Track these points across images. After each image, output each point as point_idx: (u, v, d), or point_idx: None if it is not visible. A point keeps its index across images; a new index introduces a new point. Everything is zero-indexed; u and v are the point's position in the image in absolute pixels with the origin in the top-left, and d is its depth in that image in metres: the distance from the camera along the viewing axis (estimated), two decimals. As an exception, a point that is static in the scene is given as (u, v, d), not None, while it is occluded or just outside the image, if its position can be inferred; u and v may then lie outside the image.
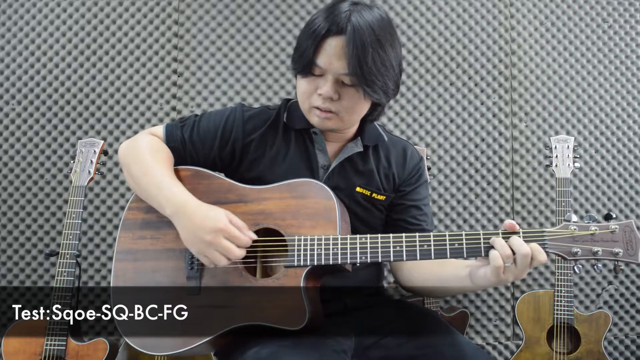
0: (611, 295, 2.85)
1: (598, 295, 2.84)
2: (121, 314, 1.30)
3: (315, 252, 1.22)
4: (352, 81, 1.26)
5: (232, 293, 1.26)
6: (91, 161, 2.16)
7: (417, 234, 1.20)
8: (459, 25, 2.88)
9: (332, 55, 1.25)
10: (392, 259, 1.20)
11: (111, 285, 1.34)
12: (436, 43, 2.87)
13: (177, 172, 1.37)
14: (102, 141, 2.21)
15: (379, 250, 1.21)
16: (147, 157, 1.34)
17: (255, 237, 1.25)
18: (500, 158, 2.86)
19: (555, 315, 2.26)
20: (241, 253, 1.22)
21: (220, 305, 1.25)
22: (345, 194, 1.40)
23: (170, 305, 1.28)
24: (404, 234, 1.21)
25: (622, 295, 2.86)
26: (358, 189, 1.41)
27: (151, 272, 1.32)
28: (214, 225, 1.21)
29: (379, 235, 1.22)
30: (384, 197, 1.44)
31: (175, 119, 2.71)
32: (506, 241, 1.13)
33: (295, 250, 1.24)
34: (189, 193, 1.29)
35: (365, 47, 1.22)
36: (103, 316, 2.69)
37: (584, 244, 1.13)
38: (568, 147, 2.31)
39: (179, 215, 1.26)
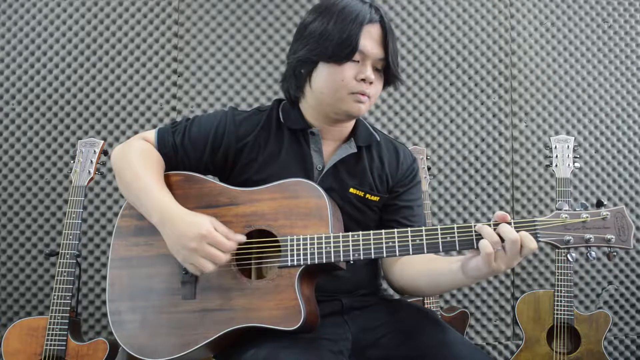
0: (611, 295, 2.85)
1: (598, 295, 2.84)
2: (117, 322, 1.30)
3: (309, 252, 1.22)
4: (383, 66, 1.35)
5: (228, 296, 1.25)
6: (91, 161, 2.16)
7: (409, 229, 1.20)
8: (459, 25, 2.88)
9: (372, 41, 1.31)
10: (385, 254, 1.20)
11: (107, 293, 1.34)
12: (436, 43, 2.87)
13: (168, 177, 1.37)
14: (102, 141, 2.21)
15: (372, 246, 1.21)
16: (137, 165, 1.34)
17: (244, 238, 1.25)
18: (500, 158, 2.86)
19: (555, 315, 2.26)
20: (226, 258, 1.22)
21: (216, 309, 1.25)
22: (339, 195, 1.39)
23: (166, 311, 1.28)
24: (395, 230, 1.21)
25: (622, 295, 2.86)
26: (351, 190, 1.41)
27: (146, 279, 1.32)
28: (197, 232, 1.20)
29: (371, 232, 1.22)
30: (378, 197, 1.44)
31: (175, 119, 2.71)
32: (495, 229, 1.13)
33: (289, 250, 1.23)
34: (175, 201, 1.29)
35: (393, 35, 1.35)
36: (103, 316, 2.71)
37: (575, 232, 1.12)
38: (568, 147, 2.31)
39: (164, 224, 1.26)
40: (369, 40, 1.31)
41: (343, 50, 1.29)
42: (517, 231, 1.11)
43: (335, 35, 1.30)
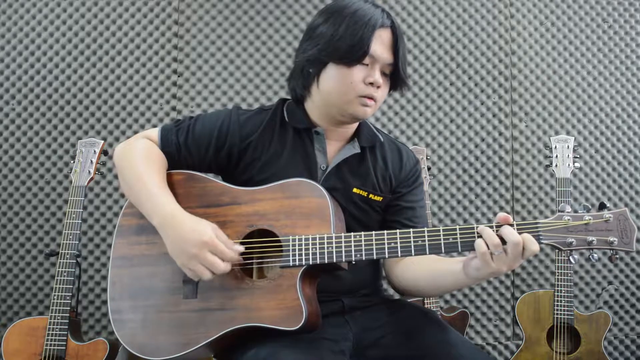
0: (611, 295, 2.85)
1: (598, 295, 2.84)
2: (118, 321, 1.30)
3: (310, 252, 1.22)
4: (391, 71, 1.36)
5: (229, 295, 1.25)
6: (91, 161, 2.16)
7: (411, 230, 1.20)
8: (459, 25, 2.88)
9: (383, 45, 1.32)
10: (387, 255, 1.20)
11: (108, 292, 1.33)
12: (436, 43, 2.87)
13: (170, 176, 1.37)
14: (102, 141, 2.21)
15: (374, 247, 1.21)
16: (140, 164, 1.34)
17: (242, 249, 1.24)
18: (500, 158, 2.86)
19: (555, 315, 2.26)
20: (226, 267, 1.21)
21: (218, 308, 1.25)
22: (342, 195, 1.39)
23: (167, 310, 1.28)
24: (397, 231, 1.21)
25: (622, 295, 2.86)
26: (355, 190, 1.41)
27: (148, 277, 1.31)
28: (199, 239, 1.20)
29: (373, 232, 1.22)
30: (381, 198, 1.44)
31: (175, 119, 2.71)
32: (497, 231, 1.13)
33: (290, 250, 1.23)
34: (177, 204, 1.29)
35: (403, 41, 1.36)
36: (103, 316, 2.71)
37: (578, 234, 1.12)
38: (568, 147, 2.31)
39: (165, 227, 1.26)
40: (380, 45, 1.32)
41: (354, 53, 1.30)
42: (520, 233, 1.11)
43: (347, 37, 1.30)
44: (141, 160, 1.35)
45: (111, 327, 1.32)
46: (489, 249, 1.12)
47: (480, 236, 1.14)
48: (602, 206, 1.13)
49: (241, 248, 1.24)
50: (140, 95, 2.73)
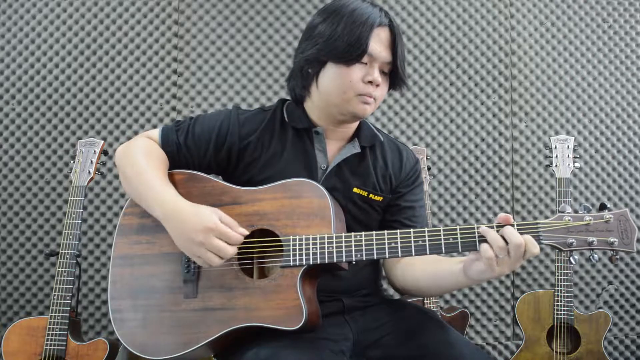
0: (611, 295, 2.85)
1: (598, 295, 2.84)
2: (119, 320, 1.30)
3: (311, 252, 1.22)
4: (390, 70, 1.37)
5: (229, 295, 1.25)
6: (91, 161, 2.16)
7: (411, 230, 1.20)
8: (459, 25, 2.88)
9: (381, 44, 1.33)
10: (387, 255, 1.20)
11: (108, 291, 1.34)
12: (436, 43, 2.87)
13: (171, 175, 1.37)
14: (102, 141, 2.21)
15: (374, 247, 1.21)
16: (141, 161, 1.35)
17: (246, 232, 1.25)
18: (500, 158, 2.86)
19: (555, 315, 2.25)
20: (233, 250, 1.22)
21: (218, 308, 1.25)
22: (342, 195, 1.39)
23: (167, 309, 1.28)
24: (398, 231, 1.21)
25: (622, 295, 2.86)
26: (355, 189, 1.41)
27: (148, 277, 1.32)
28: (204, 225, 1.20)
29: (374, 232, 1.22)
30: (381, 198, 1.44)
31: (175, 119, 2.71)
32: (498, 231, 1.12)
33: (291, 250, 1.24)
34: (180, 196, 1.29)
35: (401, 39, 1.36)
36: (103, 316, 2.71)
37: (578, 235, 1.12)
38: (568, 147, 2.31)
39: (168, 218, 1.26)
40: (378, 43, 1.32)
41: (353, 51, 1.30)
42: (520, 234, 1.11)
43: (345, 36, 1.30)
44: (142, 156, 1.36)
45: (111, 327, 1.32)
46: (494, 253, 1.11)
47: (484, 239, 1.13)
48: (602, 207, 1.13)
49: (244, 231, 1.24)
50: (140, 95, 2.73)
